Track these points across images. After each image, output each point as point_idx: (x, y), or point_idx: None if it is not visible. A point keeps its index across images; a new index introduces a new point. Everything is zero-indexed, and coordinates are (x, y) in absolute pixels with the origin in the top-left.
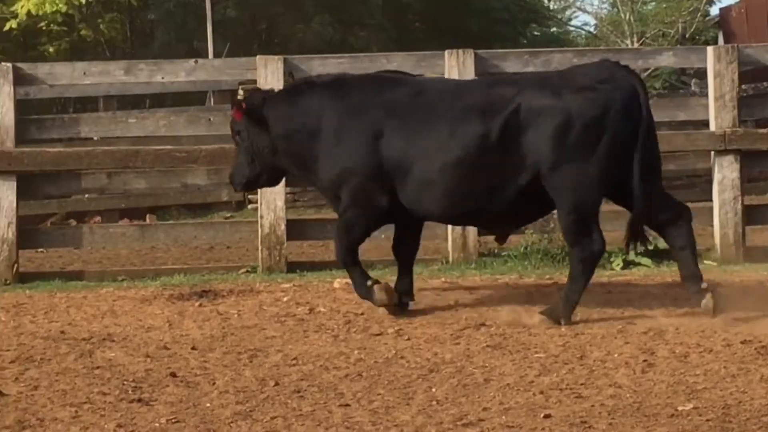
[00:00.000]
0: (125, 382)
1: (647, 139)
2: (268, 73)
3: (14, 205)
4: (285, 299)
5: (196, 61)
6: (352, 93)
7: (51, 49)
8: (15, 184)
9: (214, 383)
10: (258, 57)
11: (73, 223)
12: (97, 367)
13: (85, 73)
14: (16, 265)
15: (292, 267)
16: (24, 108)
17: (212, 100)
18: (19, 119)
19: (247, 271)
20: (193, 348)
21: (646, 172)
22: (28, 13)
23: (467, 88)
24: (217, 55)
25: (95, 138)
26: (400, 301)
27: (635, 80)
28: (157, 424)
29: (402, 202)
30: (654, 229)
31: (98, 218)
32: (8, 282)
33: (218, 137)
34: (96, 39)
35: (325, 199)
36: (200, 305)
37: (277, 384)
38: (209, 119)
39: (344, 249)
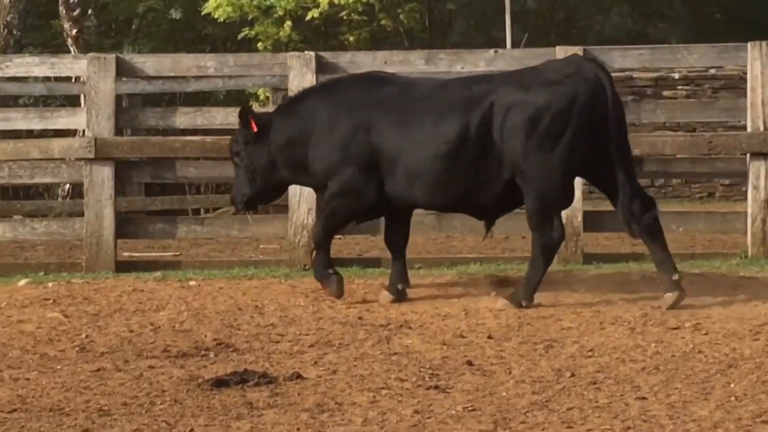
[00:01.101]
0: (422, 369)
1: (618, 128)
2: None
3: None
4: (580, 290)
5: (495, 51)
6: (344, 92)
7: (351, 39)
8: None
9: (510, 372)
10: (558, 47)
11: None
12: (395, 354)
13: (386, 62)
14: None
15: (588, 258)
16: None
17: None
18: None
19: None
20: (489, 337)
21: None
22: (330, 2)
23: (450, 85)
24: (514, 45)
25: None
26: (398, 290)
27: (601, 73)
28: (453, 412)
29: (390, 191)
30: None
31: None
32: (307, 267)
33: None
34: (395, 28)
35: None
36: (496, 294)
37: (573, 375)
38: None
39: (323, 231)
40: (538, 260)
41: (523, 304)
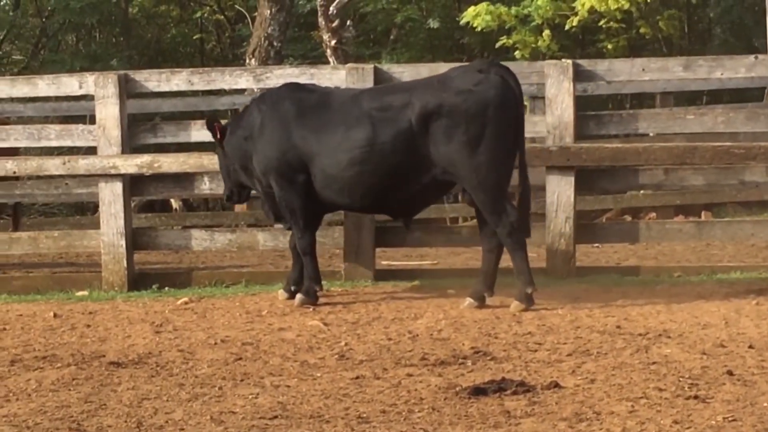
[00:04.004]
0: (681, 379)
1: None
2: None
3: (572, 199)
4: None
5: (756, 57)
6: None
7: (609, 46)
8: (573, 179)
9: None
10: None
11: (628, 218)
12: (653, 363)
13: (643, 70)
14: (573, 260)
15: None
16: (580, 104)
17: None
18: (579, 115)
19: None
20: (750, 346)
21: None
22: (590, 9)
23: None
24: None
25: (651, 134)
26: (293, 290)
27: (508, 76)
28: (713, 422)
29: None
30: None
31: (653, 214)
32: (565, 276)
33: None
34: (654, 36)
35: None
36: (757, 303)
37: None
38: None
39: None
40: (513, 250)
41: (529, 291)
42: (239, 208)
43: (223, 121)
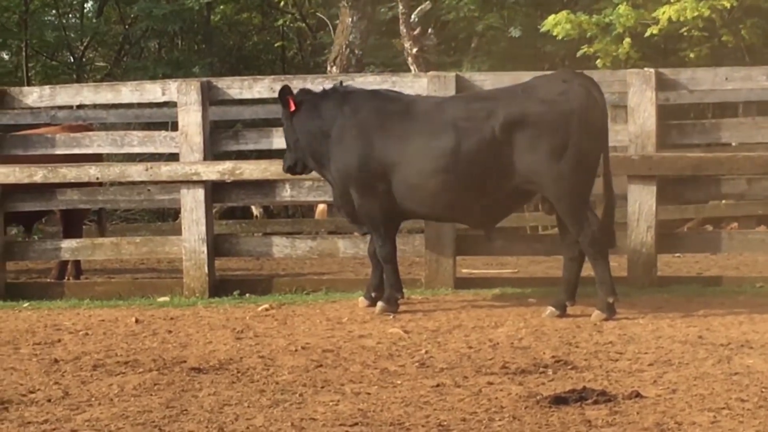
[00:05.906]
0: (764, 389)
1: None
2: None
3: (654, 209)
4: None
5: None
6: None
7: (692, 55)
8: (655, 188)
9: None
10: None
11: (710, 228)
12: (735, 373)
13: (726, 79)
14: (654, 269)
15: None
16: (662, 113)
17: None
18: (661, 124)
19: None
20: None
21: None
22: (669, 18)
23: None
24: None
25: (733, 143)
26: (373, 297)
27: (592, 86)
28: None
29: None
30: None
31: (735, 224)
32: (646, 285)
33: None
34: (736, 44)
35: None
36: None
37: None
38: None
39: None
40: (595, 259)
41: (610, 300)
42: (320, 215)
43: None
